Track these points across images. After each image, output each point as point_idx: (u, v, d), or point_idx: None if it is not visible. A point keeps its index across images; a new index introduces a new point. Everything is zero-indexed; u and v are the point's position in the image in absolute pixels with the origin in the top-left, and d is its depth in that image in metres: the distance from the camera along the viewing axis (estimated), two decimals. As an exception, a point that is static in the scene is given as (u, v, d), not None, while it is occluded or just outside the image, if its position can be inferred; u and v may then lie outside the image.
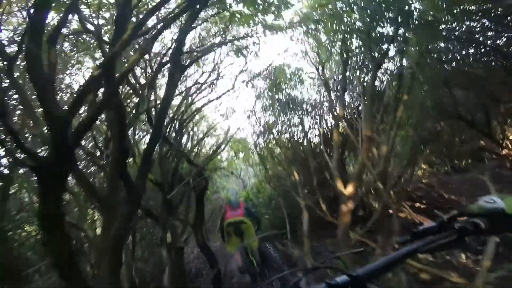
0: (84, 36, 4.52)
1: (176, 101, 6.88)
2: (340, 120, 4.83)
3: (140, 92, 4.01)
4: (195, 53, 5.10)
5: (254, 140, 8.81)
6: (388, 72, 5.64)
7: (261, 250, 4.59)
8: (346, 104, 5.08)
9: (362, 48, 4.82)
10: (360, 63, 5.58)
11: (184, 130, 6.61)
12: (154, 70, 4.58)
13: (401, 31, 4.10)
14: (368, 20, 3.99)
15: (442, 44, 4.95)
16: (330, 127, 7.13)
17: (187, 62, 4.61)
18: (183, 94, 6.38)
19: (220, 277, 6.71)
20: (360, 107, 5.20)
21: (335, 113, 4.92)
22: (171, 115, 6.35)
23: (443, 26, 4.37)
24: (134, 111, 3.92)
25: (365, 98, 4.27)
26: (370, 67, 4.59)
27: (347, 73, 5.07)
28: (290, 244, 7.51)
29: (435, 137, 5.63)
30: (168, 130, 5.66)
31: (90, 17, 3.97)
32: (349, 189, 4.00)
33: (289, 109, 7.48)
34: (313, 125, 7.60)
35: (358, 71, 5.44)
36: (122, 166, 2.38)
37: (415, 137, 4.76)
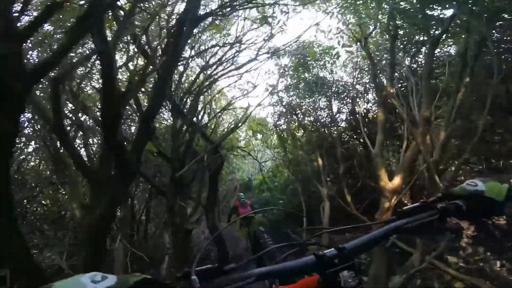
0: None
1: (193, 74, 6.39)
2: (386, 98, 4.05)
3: (150, 53, 3.46)
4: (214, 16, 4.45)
5: (275, 120, 8.22)
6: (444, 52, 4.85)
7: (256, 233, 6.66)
8: (395, 81, 4.27)
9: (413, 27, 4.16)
10: (409, 40, 4.82)
11: (200, 104, 6.10)
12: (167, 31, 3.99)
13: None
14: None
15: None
16: (363, 112, 6.36)
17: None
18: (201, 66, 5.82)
19: (228, 259, 6.38)
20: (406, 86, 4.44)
21: (379, 93, 4.16)
22: (187, 87, 5.83)
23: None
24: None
25: (422, 74, 3.55)
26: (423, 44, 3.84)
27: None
28: (305, 235, 7.02)
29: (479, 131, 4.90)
30: (182, 102, 5.15)
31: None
32: (395, 182, 3.36)
33: (316, 90, 6.75)
34: (342, 108, 6.84)
35: (408, 47, 4.67)
36: (110, 132, 1.89)
37: (465, 128, 4.03)
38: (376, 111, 4.56)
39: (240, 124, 5.13)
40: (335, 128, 6.31)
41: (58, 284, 0.41)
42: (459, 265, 3.68)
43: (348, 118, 6.80)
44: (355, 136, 6.80)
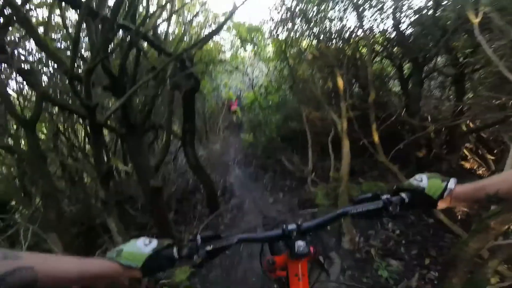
0: None
1: None
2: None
3: None
4: None
5: (271, 28, 6.27)
6: None
7: None
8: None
9: None
10: None
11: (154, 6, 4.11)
12: None
13: None
14: None
15: None
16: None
17: None
18: None
19: (217, 200, 5.52)
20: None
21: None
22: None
23: None
24: None
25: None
26: None
27: None
28: (298, 164, 6.06)
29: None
30: None
31: None
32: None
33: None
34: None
35: None
36: None
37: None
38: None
39: (218, 28, 3.38)
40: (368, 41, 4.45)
41: (125, 248, 0.77)
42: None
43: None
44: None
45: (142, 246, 0.78)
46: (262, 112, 7.91)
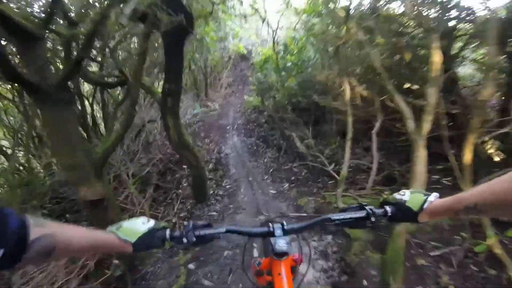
0: None
1: None
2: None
3: None
4: None
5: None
6: None
7: None
8: None
9: None
10: None
11: None
12: None
13: None
14: None
15: None
16: None
17: None
18: None
19: (205, 191, 4.33)
20: None
21: None
22: None
23: None
24: None
25: None
26: None
27: None
28: (311, 147, 4.75)
29: None
30: None
31: None
32: None
33: None
34: None
35: None
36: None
37: None
38: None
39: None
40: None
41: (124, 224, 0.82)
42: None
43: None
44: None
45: (140, 225, 0.84)
46: (276, 74, 6.38)
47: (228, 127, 7.87)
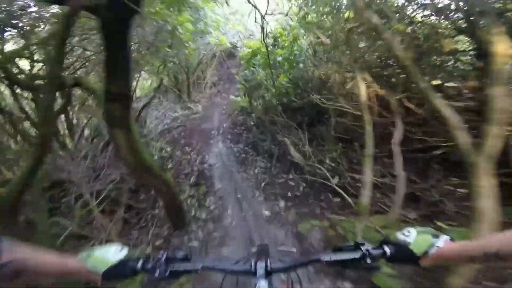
0: None
1: None
2: None
3: None
4: None
5: None
6: None
7: None
8: None
9: None
10: None
11: None
12: None
13: None
14: None
15: None
16: None
17: None
18: None
19: (183, 215, 3.52)
20: None
21: None
22: None
23: None
24: None
25: None
26: None
27: None
28: (309, 156, 3.96)
29: None
30: None
31: None
32: None
33: None
34: None
35: None
36: None
37: None
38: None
39: None
40: None
41: (96, 252, 0.76)
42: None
43: None
44: None
45: (112, 253, 0.79)
46: (266, 70, 5.58)
47: (212, 132, 7.05)
